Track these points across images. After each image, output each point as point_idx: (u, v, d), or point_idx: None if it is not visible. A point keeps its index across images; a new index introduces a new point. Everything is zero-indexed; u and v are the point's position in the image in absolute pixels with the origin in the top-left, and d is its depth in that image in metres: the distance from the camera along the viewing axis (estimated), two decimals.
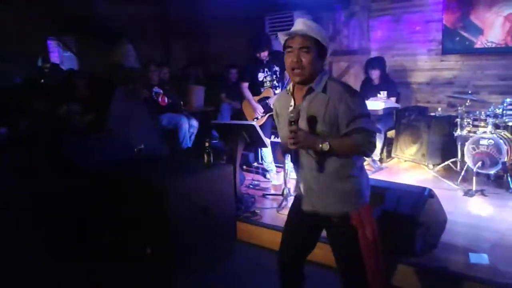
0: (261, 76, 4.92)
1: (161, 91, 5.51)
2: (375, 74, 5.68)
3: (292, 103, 2.07)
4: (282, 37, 2.02)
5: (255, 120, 4.90)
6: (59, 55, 8.48)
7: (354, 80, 6.78)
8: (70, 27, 6.35)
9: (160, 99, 5.45)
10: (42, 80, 6.11)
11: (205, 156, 3.61)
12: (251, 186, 4.87)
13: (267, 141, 4.51)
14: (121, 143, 4.31)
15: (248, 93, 4.94)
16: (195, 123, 5.66)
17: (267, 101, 4.90)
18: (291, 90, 2.09)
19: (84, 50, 7.23)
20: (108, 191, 3.56)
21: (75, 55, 7.86)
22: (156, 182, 3.33)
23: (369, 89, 5.71)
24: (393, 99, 5.56)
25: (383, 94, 5.51)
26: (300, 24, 1.98)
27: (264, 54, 4.77)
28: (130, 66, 6.23)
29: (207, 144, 3.62)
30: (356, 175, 2.05)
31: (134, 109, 5.14)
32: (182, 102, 5.99)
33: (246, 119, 4.98)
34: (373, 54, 6.57)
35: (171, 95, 5.65)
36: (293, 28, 1.98)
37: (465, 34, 5.90)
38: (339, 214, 2.03)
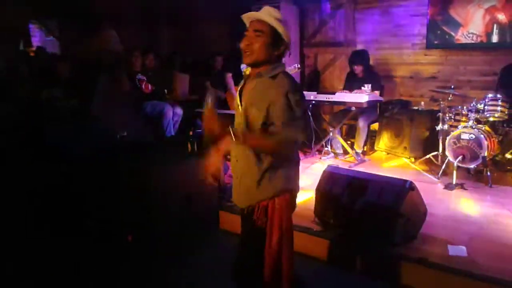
0: (243, 66, 4.89)
1: (145, 78, 5.45)
2: (358, 68, 5.70)
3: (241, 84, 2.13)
4: (246, 21, 2.06)
5: None
6: (41, 39, 8.28)
7: (339, 72, 6.81)
8: (52, 10, 6.20)
9: (143, 86, 5.39)
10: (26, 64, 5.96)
11: (189, 145, 3.59)
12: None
13: None
14: (104, 129, 4.26)
15: (231, 83, 4.94)
16: (179, 111, 5.61)
17: None
18: (247, 74, 2.14)
19: (67, 35, 7.08)
20: (89, 177, 3.51)
21: (58, 39, 7.69)
22: (139, 169, 3.30)
23: (353, 81, 5.74)
24: (377, 92, 5.60)
25: (367, 87, 5.53)
26: (262, 10, 2.02)
27: None
28: (114, 52, 6.12)
29: (191, 133, 3.60)
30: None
31: (117, 96, 5.06)
32: (166, 90, 5.92)
33: (230, 108, 4.98)
34: (359, 46, 6.58)
35: (155, 82, 5.59)
36: (254, 13, 2.03)
37: (445, 28, 5.98)
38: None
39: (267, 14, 2.00)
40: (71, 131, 4.03)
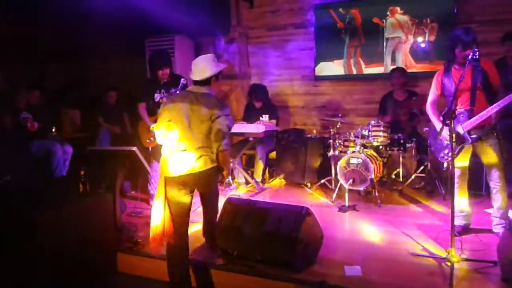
0: (157, 96, 4.80)
1: (30, 116, 5.06)
2: (258, 99, 5.88)
3: None
4: None
5: (149, 141, 4.72)
6: None
7: (236, 104, 6.94)
8: None
9: (29, 124, 5.00)
10: None
11: (81, 185, 3.39)
12: (133, 214, 4.68)
13: (148, 167, 4.40)
14: None
15: (144, 114, 4.81)
16: (68, 149, 5.29)
17: None
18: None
19: None
20: None
21: None
22: (25, 214, 3.03)
23: (252, 112, 5.90)
24: (273, 121, 5.80)
25: (265, 117, 5.73)
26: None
27: (166, 72, 4.67)
28: None
29: (82, 173, 3.41)
30: None
31: None
32: (54, 127, 5.56)
33: (140, 140, 4.81)
34: (253, 79, 6.82)
35: (41, 120, 5.22)
36: None
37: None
38: None
39: None
40: None
